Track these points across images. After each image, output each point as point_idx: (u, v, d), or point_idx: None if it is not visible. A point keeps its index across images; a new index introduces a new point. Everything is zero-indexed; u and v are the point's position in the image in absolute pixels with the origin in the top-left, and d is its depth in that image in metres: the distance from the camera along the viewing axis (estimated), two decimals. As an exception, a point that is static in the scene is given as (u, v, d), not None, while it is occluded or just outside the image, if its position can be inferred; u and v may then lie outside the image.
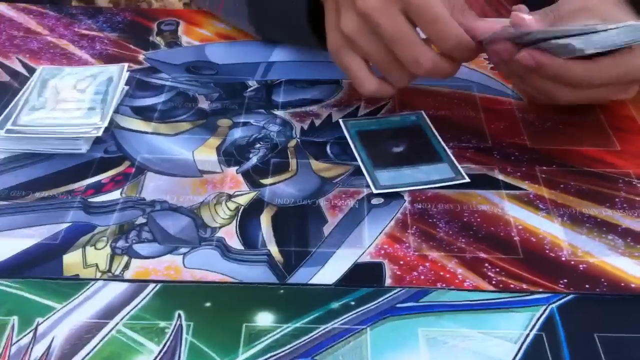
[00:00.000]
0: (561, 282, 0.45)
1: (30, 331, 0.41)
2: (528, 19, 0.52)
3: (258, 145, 0.57)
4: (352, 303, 0.43)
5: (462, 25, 0.52)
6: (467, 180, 0.53)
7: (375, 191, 0.52)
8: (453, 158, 0.55)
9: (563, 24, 0.52)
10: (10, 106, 0.58)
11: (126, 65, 0.63)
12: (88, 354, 0.40)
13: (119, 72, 0.62)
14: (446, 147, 0.56)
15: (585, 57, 0.50)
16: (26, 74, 0.66)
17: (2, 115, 0.57)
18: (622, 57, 0.51)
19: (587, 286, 0.44)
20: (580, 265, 0.46)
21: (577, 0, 0.54)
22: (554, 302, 0.43)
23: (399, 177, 0.53)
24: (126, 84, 0.62)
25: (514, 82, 0.62)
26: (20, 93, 0.60)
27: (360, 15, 0.52)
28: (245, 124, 0.59)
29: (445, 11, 0.51)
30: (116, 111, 0.60)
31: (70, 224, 0.49)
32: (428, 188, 0.52)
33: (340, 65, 0.56)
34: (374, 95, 0.57)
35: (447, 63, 0.53)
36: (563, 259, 0.46)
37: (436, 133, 0.58)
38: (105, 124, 0.56)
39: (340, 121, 0.59)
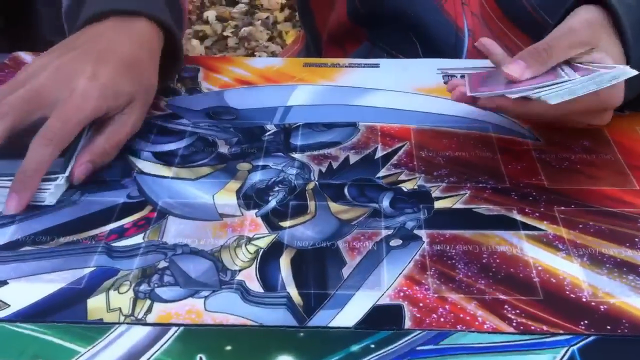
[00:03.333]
0: (582, 323, 0.45)
1: (55, 375, 0.42)
2: (520, 74, 0.55)
3: (277, 188, 0.58)
4: (372, 346, 0.43)
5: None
6: None
7: None
8: None
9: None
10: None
11: None
12: (111, 398, 0.41)
13: None
14: None
15: None
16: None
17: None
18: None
19: (608, 327, 0.44)
20: (601, 306, 0.46)
21: (564, 24, 0.59)
22: (575, 344, 0.43)
23: None
24: (148, 130, 0.63)
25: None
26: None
27: (42, 64, 0.60)
28: (264, 167, 0.60)
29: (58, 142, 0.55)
30: (138, 156, 0.62)
31: (94, 268, 0.50)
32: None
33: None
34: None
35: None
36: (584, 300, 0.46)
37: None
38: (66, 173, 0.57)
39: None
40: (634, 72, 0.54)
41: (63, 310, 0.46)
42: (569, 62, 0.57)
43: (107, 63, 0.60)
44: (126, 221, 0.54)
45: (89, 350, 0.44)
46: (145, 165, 0.61)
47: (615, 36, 0.59)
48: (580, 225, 0.53)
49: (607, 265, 0.49)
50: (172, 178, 0.59)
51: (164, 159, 0.62)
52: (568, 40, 0.57)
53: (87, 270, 0.50)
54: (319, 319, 0.45)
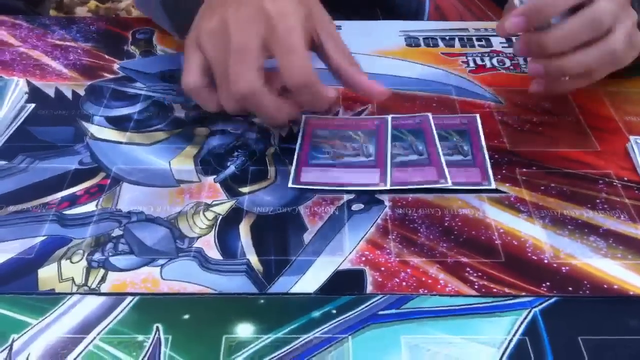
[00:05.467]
0: (544, 285, 0.44)
1: (6, 348, 0.40)
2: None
3: (236, 153, 0.56)
4: (333, 311, 0.43)
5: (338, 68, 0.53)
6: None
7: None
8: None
9: None
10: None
11: (21, 80, 0.63)
12: (64, 370, 0.39)
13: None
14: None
15: None
16: (-1, 85, 0.64)
17: None
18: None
19: (569, 289, 0.44)
20: (563, 268, 0.46)
21: None
22: (536, 306, 0.43)
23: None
24: (101, 94, 0.61)
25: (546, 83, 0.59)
26: None
27: (222, 21, 0.51)
28: (222, 132, 0.59)
29: (303, 47, 0.50)
30: (90, 121, 0.59)
31: (45, 237, 0.48)
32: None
33: (184, 57, 0.54)
34: (192, 96, 0.55)
35: (284, 105, 0.52)
36: (545, 261, 0.46)
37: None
38: None
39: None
40: None
41: (13, 281, 0.45)
42: None
43: None
44: (78, 188, 0.52)
45: (40, 321, 0.42)
46: (98, 130, 0.59)
47: None
48: (542, 187, 0.53)
49: (569, 227, 0.49)
50: (126, 143, 0.57)
51: (118, 124, 0.60)
52: None
53: (38, 240, 0.48)
54: (280, 285, 0.44)
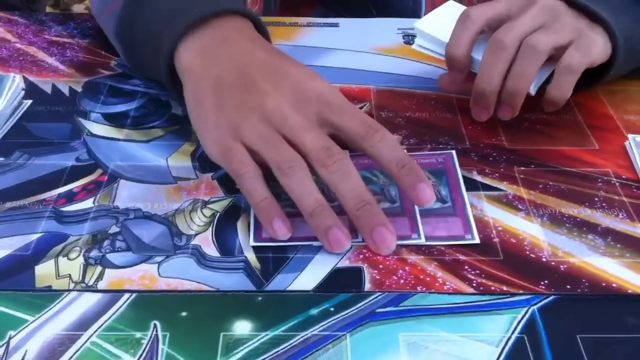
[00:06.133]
0: (542, 283, 0.44)
1: (3, 344, 0.40)
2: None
3: (234, 150, 0.56)
4: (331, 309, 0.43)
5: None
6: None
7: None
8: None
9: None
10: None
11: (17, 77, 0.62)
12: (61, 367, 0.39)
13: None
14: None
15: None
16: (-5, 81, 0.64)
17: None
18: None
19: (568, 287, 0.44)
20: (561, 266, 0.46)
21: None
22: (535, 304, 0.43)
23: None
24: (98, 91, 0.61)
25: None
26: None
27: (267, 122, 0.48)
28: (220, 129, 0.58)
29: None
30: (87, 118, 0.59)
31: (42, 234, 0.48)
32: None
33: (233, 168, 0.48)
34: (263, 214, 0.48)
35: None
36: (543, 259, 0.46)
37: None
38: None
39: None
40: None
41: (10, 278, 0.44)
42: None
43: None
44: (75, 185, 0.52)
45: (37, 318, 0.42)
46: (95, 126, 0.59)
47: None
48: (540, 185, 0.53)
49: (567, 225, 0.49)
50: (124, 140, 0.57)
51: (115, 120, 0.60)
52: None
53: (35, 236, 0.48)
54: (277, 283, 0.44)
